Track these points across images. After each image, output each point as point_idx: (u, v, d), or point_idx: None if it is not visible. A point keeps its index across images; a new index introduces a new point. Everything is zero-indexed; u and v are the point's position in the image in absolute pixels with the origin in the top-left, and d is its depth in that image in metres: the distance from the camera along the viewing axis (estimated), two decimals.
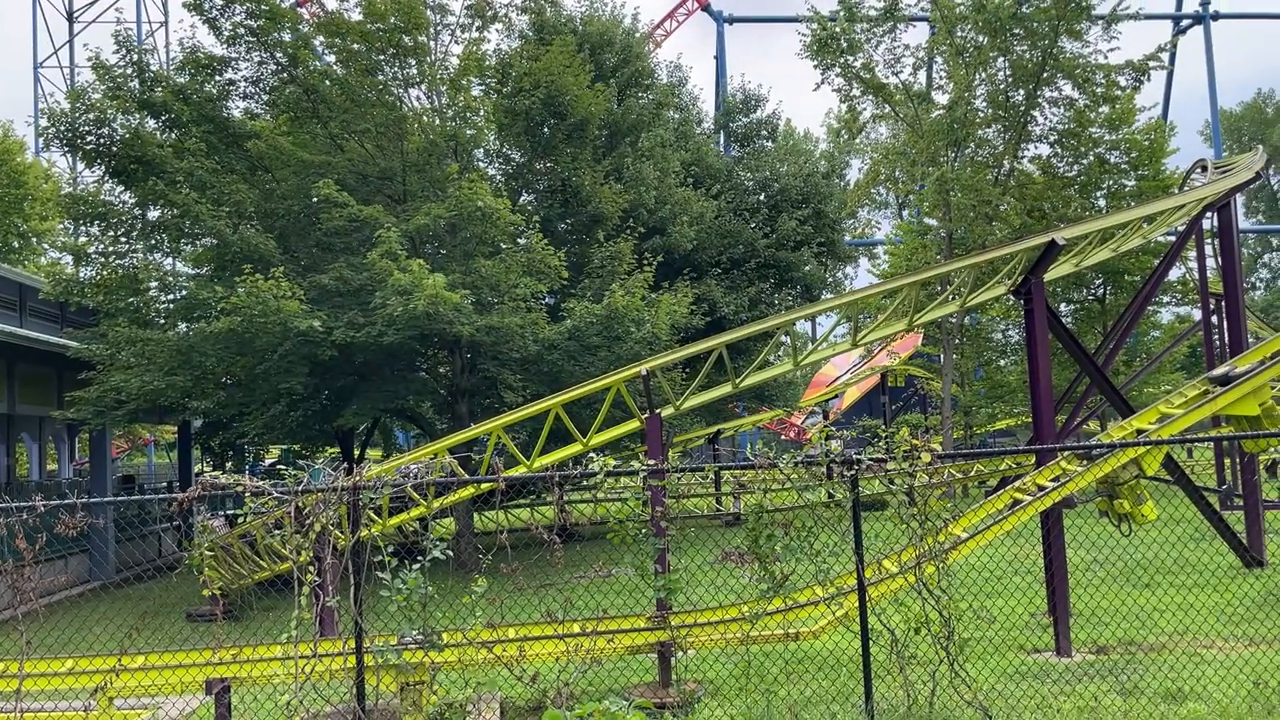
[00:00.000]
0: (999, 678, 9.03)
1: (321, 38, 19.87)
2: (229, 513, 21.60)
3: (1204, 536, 15.46)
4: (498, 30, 22.21)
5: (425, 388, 20.62)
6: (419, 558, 7.36)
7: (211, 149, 19.14)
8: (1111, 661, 9.77)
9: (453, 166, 18.58)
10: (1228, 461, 22.46)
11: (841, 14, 27.08)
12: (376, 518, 14.97)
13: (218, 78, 19.76)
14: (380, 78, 19.71)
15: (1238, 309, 18.52)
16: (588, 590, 9.49)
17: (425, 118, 20.05)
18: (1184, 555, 14.24)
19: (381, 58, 19.55)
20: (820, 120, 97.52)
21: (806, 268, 30.77)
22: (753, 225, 29.79)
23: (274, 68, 19.80)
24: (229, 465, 28.64)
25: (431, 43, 20.10)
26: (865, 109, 29.90)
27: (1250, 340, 19.78)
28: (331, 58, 20.23)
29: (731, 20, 56.70)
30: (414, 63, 19.75)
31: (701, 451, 34.51)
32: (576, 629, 8.40)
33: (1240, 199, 28.97)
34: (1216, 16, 59.25)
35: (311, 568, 7.58)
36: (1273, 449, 21.47)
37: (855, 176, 53.77)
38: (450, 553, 7.46)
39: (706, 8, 56.09)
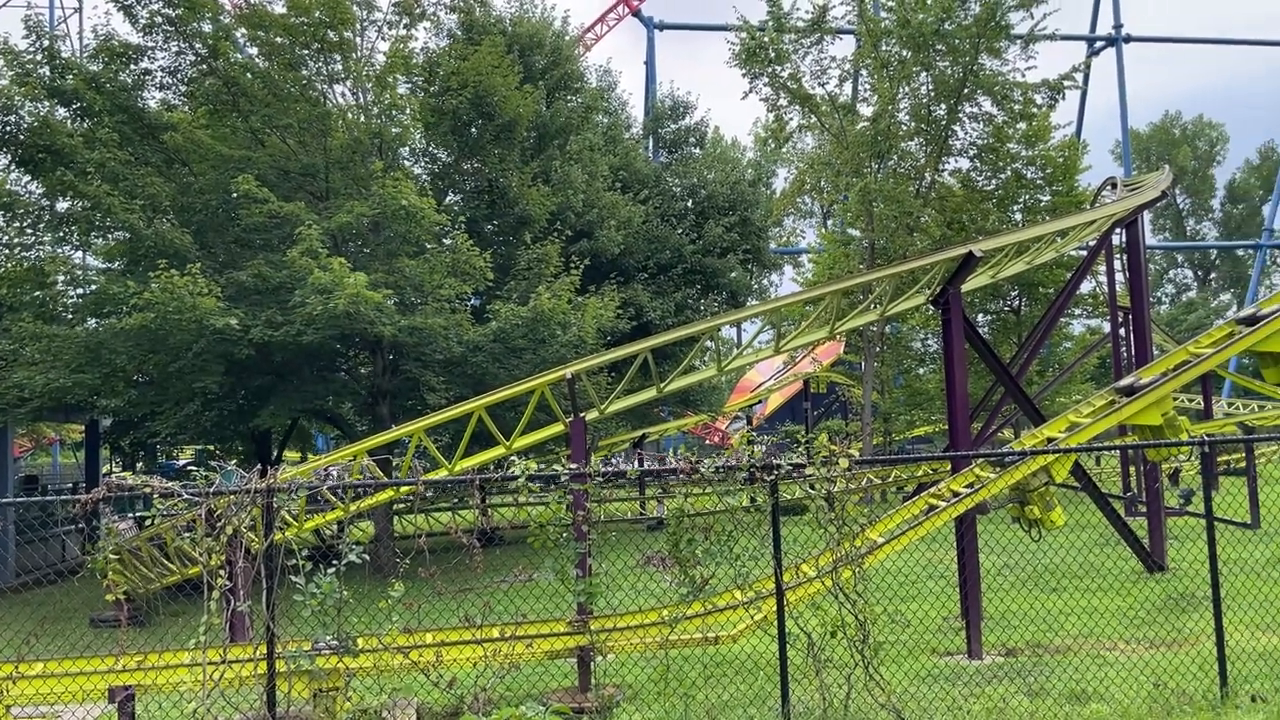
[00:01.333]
0: (912, 680, 9.20)
1: (244, 30, 19.43)
2: (138, 515, 20.96)
3: (1109, 542, 15.97)
4: (425, 28, 21.99)
5: (345, 389, 20.28)
6: (334, 562, 7.23)
7: (125, 140, 18.57)
8: (1020, 663, 10.02)
9: (377, 164, 18.33)
10: (1132, 469, 23.23)
11: (770, 24, 27.38)
12: (293, 521, 14.69)
13: (133, 67, 19.18)
14: (304, 73, 19.35)
15: (1144, 322, 19.17)
16: (507, 595, 9.42)
17: (350, 114, 19.74)
18: (1090, 560, 14.70)
19: (306, 52, 19.20)
20: (748, 129, 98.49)
21: (732, 274, 31.05)
22: (680, 231, 29.96)
23: (193, 59, 19.30)
24: (139, 466, 27.78)
25: (357, 39, 19.80)
26: (792, 119, 30.27)
27: (1155, 352, 20.52)
28: (254, 50, 19.79)
29: (662, 27, 56.95)
30: (339, 58, 19.44)
31: (626, 455, 34.56)
32: (495, 634, 8.34)
33: (1148, 216, 30.05)
34: (1128, 39, 61.37)
35: (222, 571, 7.39)
36: (1174, 458, 22.29)
37: (781, 185, 54.52)
38: (366, 557, 7.35)
39: (637, 13, 56.25)
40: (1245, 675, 8.64)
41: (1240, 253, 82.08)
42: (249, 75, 19.09)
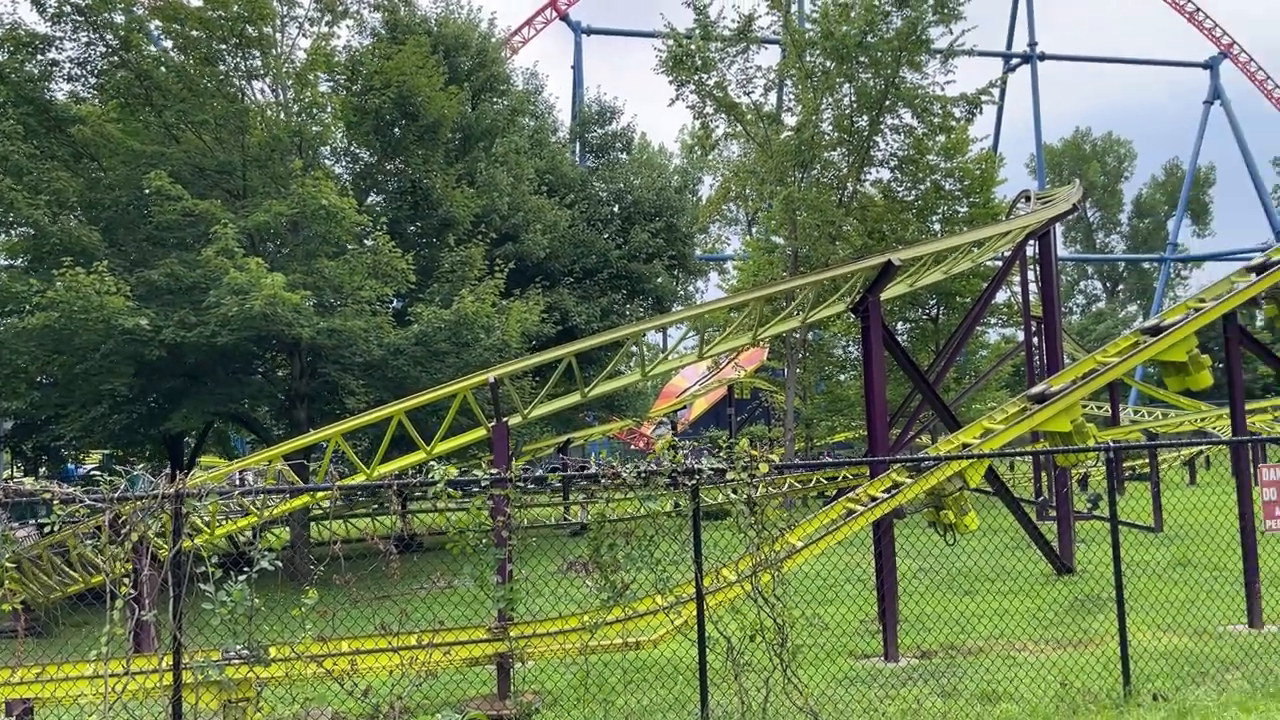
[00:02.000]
0: (830, 683, 9.30)
1: (158, 22, 18.87)
2: (40, 521, 20.18)
3: (1020, 545, 16.38)
4: (348, 26, 21.68)
5: (262, 392, 19.81)
6: (246, 569, 7.04)
7: (30, 133, 17.91)
8: (934, 665, 10.20)
9: (296, 163, 17.97)
10: (1044, 475, 23.89)
11: (697, 32, 27.57)
12: (204, 527, 14.28)
13: (40, 57, 18.49)
14: (221, 68, 18.88)
15: (1055, 331, 19.74)
16: (425, 602, 9.28)
17: (269, 112, 19.31)
18: (1002, 563, 15.03)
19: (223, 47, 18.73)
20: (675, 135, 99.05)
21: (658, 280, 31.14)
22: (606, 236, 29.96)
23: (104, 50, 18.69)
24: (42, 470, 26.76)
25: (278, 34, 19.39)
26: (718, 126, 30.50)
27: (1066, 361, 21.14)
28: (169, 43, 19.24)
29: (590, 32, 56.98)
30: (258, 54, 19.01)
31: (551, 460, 34.40)
32: (412, 641, 8.21)
33: (1060, 229, 30.94)
34: (1043, 57, 63.29)
35: (127, 580, 7.14)
36: (1082, 463, 22.99)
37: (707, 192, 54.86)
38: (280, 564, 7.17)
39: (565, 18, 56.19)
40: (1147, 674, 8.92)
41: (1146, 265, 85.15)
42: (163, 69, 18.56)
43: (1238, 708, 7.68)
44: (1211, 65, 66.29)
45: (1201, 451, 33.91)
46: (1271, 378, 53.72)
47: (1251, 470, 11.40)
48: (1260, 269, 13.00)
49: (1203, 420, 32.86)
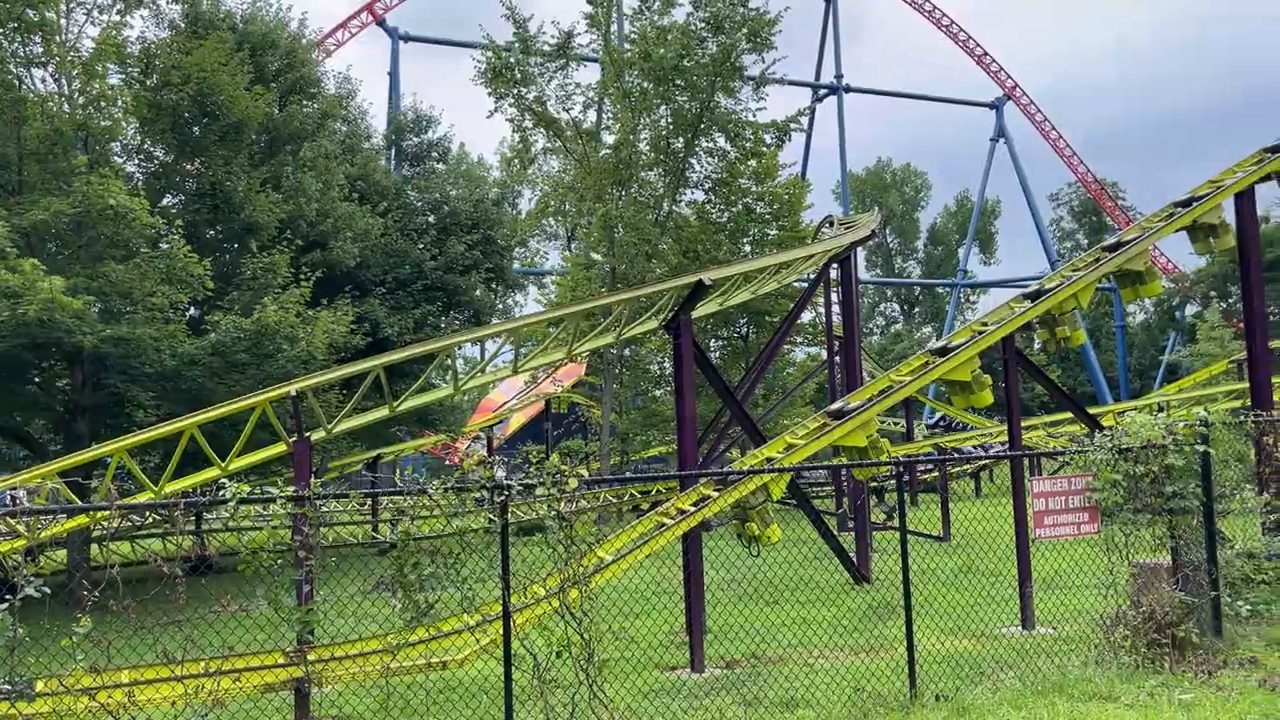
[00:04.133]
0: (636, 696, 9.37)
1: None
2: None
3: (821, 556, 17.04)
4: (143, 17, 20.36)
5: (36, 403, 18.29)
6: (9, 596, 6.44)
7: None
8: (738, 675, 10.46)
9: (80, 159, 16.74)
10: (844, 488, 25.00)
11: (516, 45, 27.52)
12: None
13: None
14: None
15: (855, 351, 20.74)
16: (214, 628, 8.76)
17: (51, 103, 17.91)
18: (804, 574, 15.61)
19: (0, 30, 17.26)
20: (494, 148, 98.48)
21: (475, 292, 30.76)
22: (421, 246, 29.35)
23: None
24: None
25: (63, 20, 18.04)
26: (537, 141, 30.53)
27: (866, 378, 22.24)
28: None
29: (407, 38, 55.94)
30: (39, 40, 17.62)
31: (360, 477, 33.34)
32: (199, 669, 7.73)
33: (861, 253, 32.56)
34: (848, 89, 66.72)
35: None
36: (878, 476, 24.19)
37: (527, 206, 54.76)
38: (47, 590, 6.60)
39: (381, 22, 54.95)
40: (932, 676, 9.44)
41: (939, 290, 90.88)
42: None
43: (1009, 705, 8.23)
44: (997, 105, 71.66)
45: (985, 465, 36.39)
46: (1046, 396, 58.31)
47: (1026, 482, 12.28)
48: (1035, 295, 14.07)
49: (988, 435, 35.30)
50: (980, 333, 13.48)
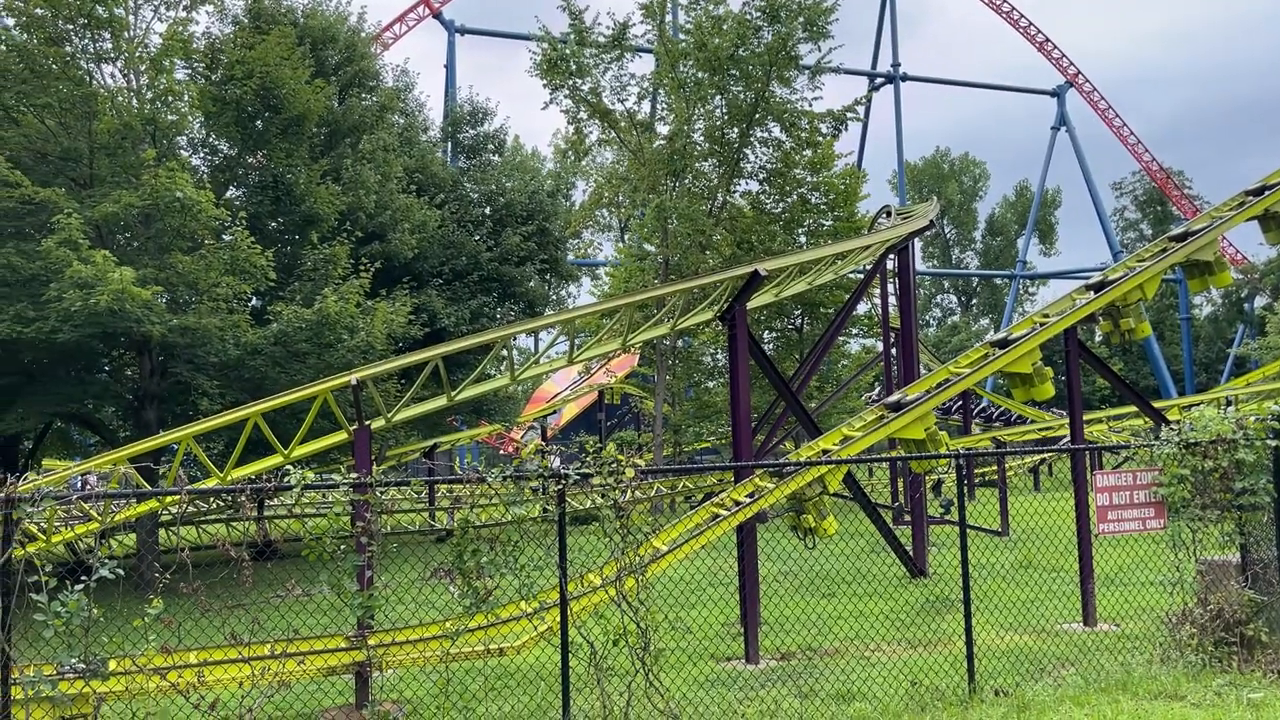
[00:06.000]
0: (691, 686, 9.40)
1: None
2: None
3: (877, 549, 16.91)
4: (208, 12, 20.75)
5: (107, 391, 18.79)
6: (84, 578, 6.65)
7: None
8: (793, 666, 10.44)
9: (149, 153, 17.13)
10: (900, 481, 24.76)
11: (572, 37, 27.60)
12: (40, 534, 13.47)
13: None
14: (68, 49, 17.84)
15: (912, 343, 20.51)
16: (280, 611, 8.96)
17: (120, 97, 18.34)
18: (860, 566, 15.49)
19: (70, 27, 17.70)
20: (548, 139, 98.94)
21: (530, 283, 30.95)
22: (477, 238, 29.61)
23: None
24: None
25: (131, 17, 18.46)
26: (591, 132, 30.62)
27: (922, 371, 22.00)
28: (10, 21, 18.08)
29: (463, 31, 56.32)
30: (109, 36, 18.05)
31: (417, 465, 33.77)
32: (265, 651, 7.91)
33: (918, 244, 32.19)
34: (905, 78, 65.81)
35: None
36: (936, 470, 23.94)
37: (580, 198, 54.93)
38: (121, 572, 6.80)
39: (438, 15, 55.39)
40: (991, 671, 9.34)
41: (998, 281, 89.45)
42: (3, 48, 17.43)
43: (1071, 702, 8.11)
44: (1059, 93, 70.19)
45: (1045, 459, 35.79)
46: (1108, 389, 57.20)
47: (1088, 476, 12.07)
48: (1098, 287, 13.79)
49: (1048, 429, 34.72)
50: (1041, 324, 13.25)
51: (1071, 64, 68.53)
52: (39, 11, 17.29)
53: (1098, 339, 47.07)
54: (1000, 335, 13.85)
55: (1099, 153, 72.88)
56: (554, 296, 48.94)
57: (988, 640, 10.76)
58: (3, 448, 20.85)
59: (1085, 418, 18.73)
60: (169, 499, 12.84)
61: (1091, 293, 13.68)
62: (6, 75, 17.26)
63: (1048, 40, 67.71)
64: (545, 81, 28.01)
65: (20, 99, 17.39)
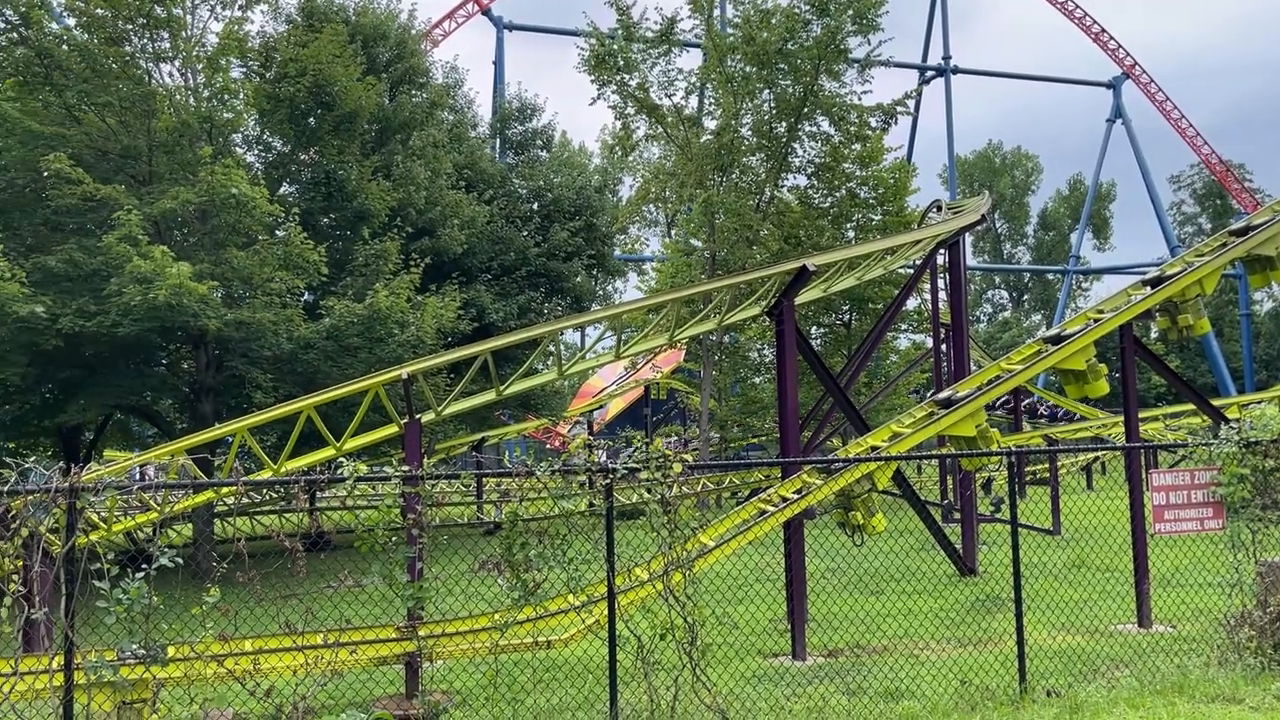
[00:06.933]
0: (738, 681, 9.40)
1: None
2: None
3: (926, 546, 16.77)
4: (262, 12, 21.09)
5: (165, 384, 19.22)
6: (144, 565, 6.82)
7: None
8: (841, 664, 10.39)
9: (206, 150, 17.46)
10: (950, 478, 24.50)
11: (619, 32, 27.61)
12: (101, 523, 13.80)
13: None
14: (127, 48, 18.24)
15: (962, 339, 20.27)
16: (332, 601, 9.11)
17: (178, 96, 18.72)
18: (908, 564, 15.39)
19: (130, 27, 18.10)
20: (595, 135, 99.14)
21: (577, 279, 31.06)
22: (525, 233, 29.77)
23: (2, 25, 17.91)
24: None
25: (188, 16, 18.82)
26: (639, 128, 30.60)
27: (973, 367, 21.74)
28: (72, 21, 18.52)
29: (511, 27, 56.61)
30: (167, 36, 18.42)
31: (465, 459, 34.08)
32: (318, 640, 8.05)
33: (969, 239, 31.76)
34: (956, 71, 64.96)
35: (15, 577, 6.86)
36: (986, 467, 23.65)
37: (627, 193, 54.98)
38: (180, 560, 6.96)
39: (487, 12, 55.72)
40: (1043, 671, 9.23)
41: (1050, 276, 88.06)
42: (65, 47, 17.85)
43: (1126, 704, 7.98)
44: (1114, 85, 68.85)
45: (1098, 457, 35.19)
46: (1164, 387, 56.08)
47: (1144, 475, 11.86)
48: (1155, 282, 13.54)
49: (1101, 427, 34.14)
50: (1096, 320, 13.04)
51: (1128, 55, 67.16)
52: (100, 12, 17.68)
53: (1154, 335, 46.15)
54: (1053, 331, 13.65)
55: (1156, 146, 71.43)
56: (600, 292, 49.07)
57: (1039, 640, 10.63)
58: (65, 438, 21.37)
59: (1140, 415, 18.37)
60: (226, 490, 13.10)
61: (1148, 288, 13.43)
62: (69, 75, 17.68)
63: (1104, 31, 66.43)
64: (593, 77, 28.04)
65: (82, 98, 17.80)
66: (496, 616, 8.60)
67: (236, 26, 19.21)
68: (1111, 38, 66.67)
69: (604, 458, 8.29)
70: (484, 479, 25.38)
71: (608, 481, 7.86)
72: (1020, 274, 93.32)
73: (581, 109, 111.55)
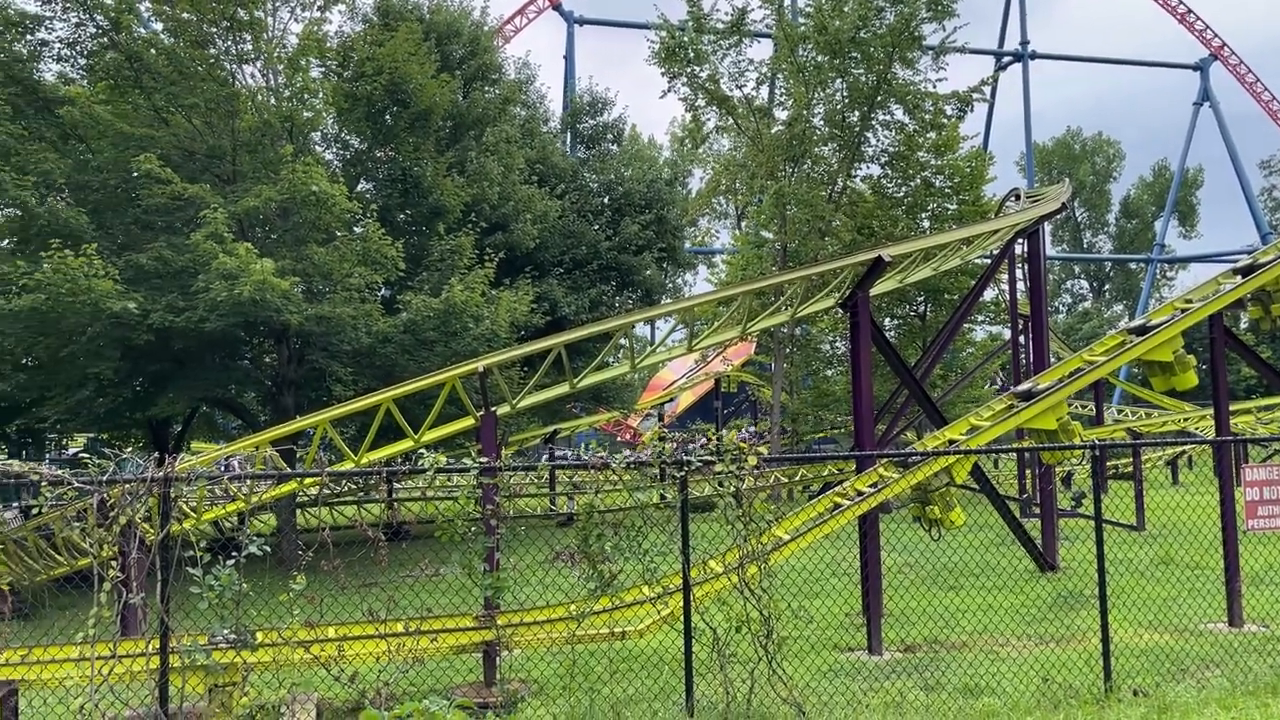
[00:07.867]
0: (814, 675, 9.36)
1: (148, 3, 18.73)
2: (24, 504, 20.08)
3: (1005, 542, 16.48)
4: (340, 12, 21.51)
5: (249, 378, 19.74)
6: (234, 553, 7.04)
7: (18, 113, 17.73)
8: (918, 659, 10.27)
9: (287, 148, 17.86)
10: (1029, 472, 24.02)
11: (690, 24, 27.56)
12: (191, 512, 14.27)
13: (29, 37, 18.33)
14: (212, 51, 18.74)
15: (1042, 330, 19.83)
16: (413, 589, 9.30)
17: (260, 96, 19.18)
18: (987, 559, 15.14)
19: (214, 30, 18.58)
20: (665, 128, 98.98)
21: (648, 272, 31.08)
22: (596, 227, 29.88)
23: (93, 31, 18.53)
24: (25, 453, 26.61)
25: (269, 19, 19.26)
26: (709, 120, 30.52)
27: (1052, 360, 21.26)
28: (159, 25, 19.10)
29: (582, 22, 56.87)
30: (249, 38, 18.87)
31: (537, 451, 34.41)
32: (399, 628, 8.23)
33: (1048, 228, 31.05)
34: (1034, 56, 63.48)
35: (114, 563, 7.14)
36: (1067, 461, 23.13)
37: (697, 185, 54.87)
38: (268, 549, 7.17)
39: (558, 7, 56.05)
40: (1128, 670, 9.01)
41: (1133, 266, 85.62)
42: (153, 51, 18.41)
43: (1217, 705, 7.76)
44: (1201, 67, 66.62)
45: (1184, 452, 34.15)
46: (1255, 379, 54.15)
47: (1234, 470, 11.50)
48: (1246, 271, 13.10)
49: (1186, 420, 33.13)
50: (1183, 310, 12.66)
51: (1216, 35, 64.91)
52: (185, 16, 18.19)
53: (1244, 325, 44.59)
54: (1138, 321, 13.29)
55: (1245, 129, 69.15)
56: (671, 285, 48.98)
57: (1124, 638, 10.39)
58: (154, 431, 22.10)
59: (1231, 408, 17.79)
60: (309, 480, 13.43)
61: (1239, 276, 13.00)
62: (157, 78, 18.23)
63: (1190, 12, 64.28)
64: (663, 70, 28.05)
65: (169, 100, 18.34)
66: (573, 607, 8.69)
67: (315, 27, 19.60)
68: (1199, 18, 64.49)
69: (678, 450, 8.30)
70: (557, 471, 25.60)
71: (682, 474, 7.88)
72: (1101, 263, 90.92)
73: (652, 102, 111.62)
